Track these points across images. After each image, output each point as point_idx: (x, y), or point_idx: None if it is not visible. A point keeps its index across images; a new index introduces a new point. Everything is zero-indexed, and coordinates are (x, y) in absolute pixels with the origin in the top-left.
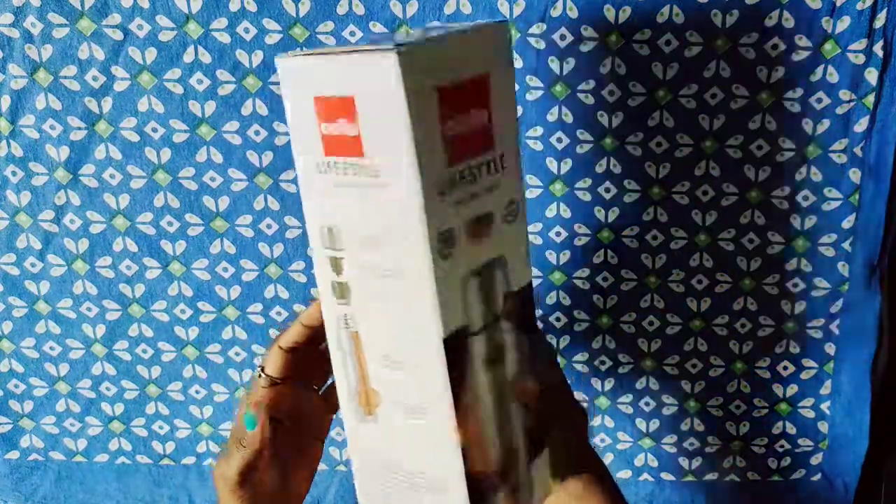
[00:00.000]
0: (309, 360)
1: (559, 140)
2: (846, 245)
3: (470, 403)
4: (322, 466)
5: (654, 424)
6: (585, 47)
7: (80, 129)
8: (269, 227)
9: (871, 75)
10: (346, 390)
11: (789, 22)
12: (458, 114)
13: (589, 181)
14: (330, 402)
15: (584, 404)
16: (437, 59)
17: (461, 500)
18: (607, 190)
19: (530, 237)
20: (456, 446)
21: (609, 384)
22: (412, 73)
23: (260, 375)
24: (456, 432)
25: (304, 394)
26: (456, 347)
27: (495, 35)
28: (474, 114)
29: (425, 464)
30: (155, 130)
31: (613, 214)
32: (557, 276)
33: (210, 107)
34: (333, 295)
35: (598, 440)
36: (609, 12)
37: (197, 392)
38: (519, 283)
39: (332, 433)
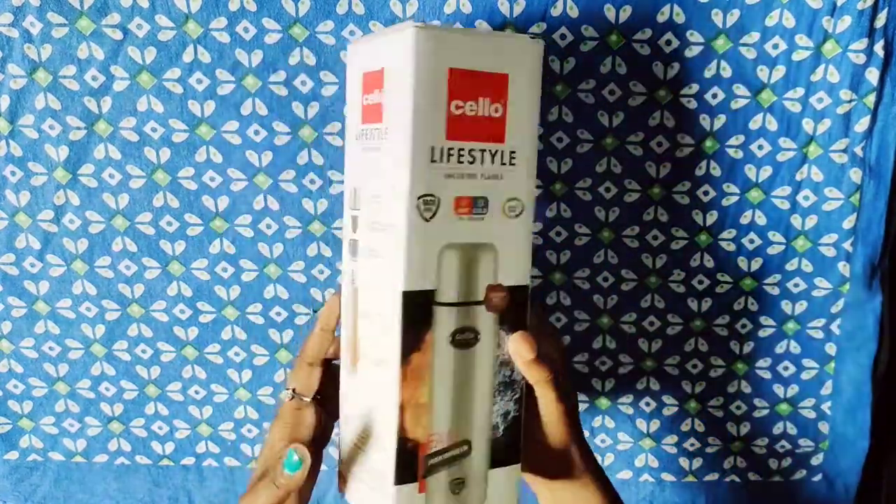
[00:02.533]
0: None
1: (559, 140)
2: (847, 245)
3: (421, 368)
4: (322, 467)
5: (655, 425)
6: (585, 47)
7: (79, 128)
8: (268, 227)
9: (872, 75)
10: (344, 345)
11: (790, 21)
12: (467, 98)
13: (589, 181)
14: (330, 410)
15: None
16: (454, 45)
17: (390, 463)
18: (607, 190)
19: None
20: (395, 404)
21: (609, 384)
22: (426, 51)
23: (292, 398)
24: (398, 389)
25: (325, 407)
26: (418, 307)
27: (523, 47)
28: (483, 103)
29: (378, 418)
30: (154, 130)
31: (613, 214)
32: (557, 277)
33: (209, 106)
34: (349, 252)
35: (599, 440)
36: (609, 12)
37: (196, 392)
38: (512, 279)
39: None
